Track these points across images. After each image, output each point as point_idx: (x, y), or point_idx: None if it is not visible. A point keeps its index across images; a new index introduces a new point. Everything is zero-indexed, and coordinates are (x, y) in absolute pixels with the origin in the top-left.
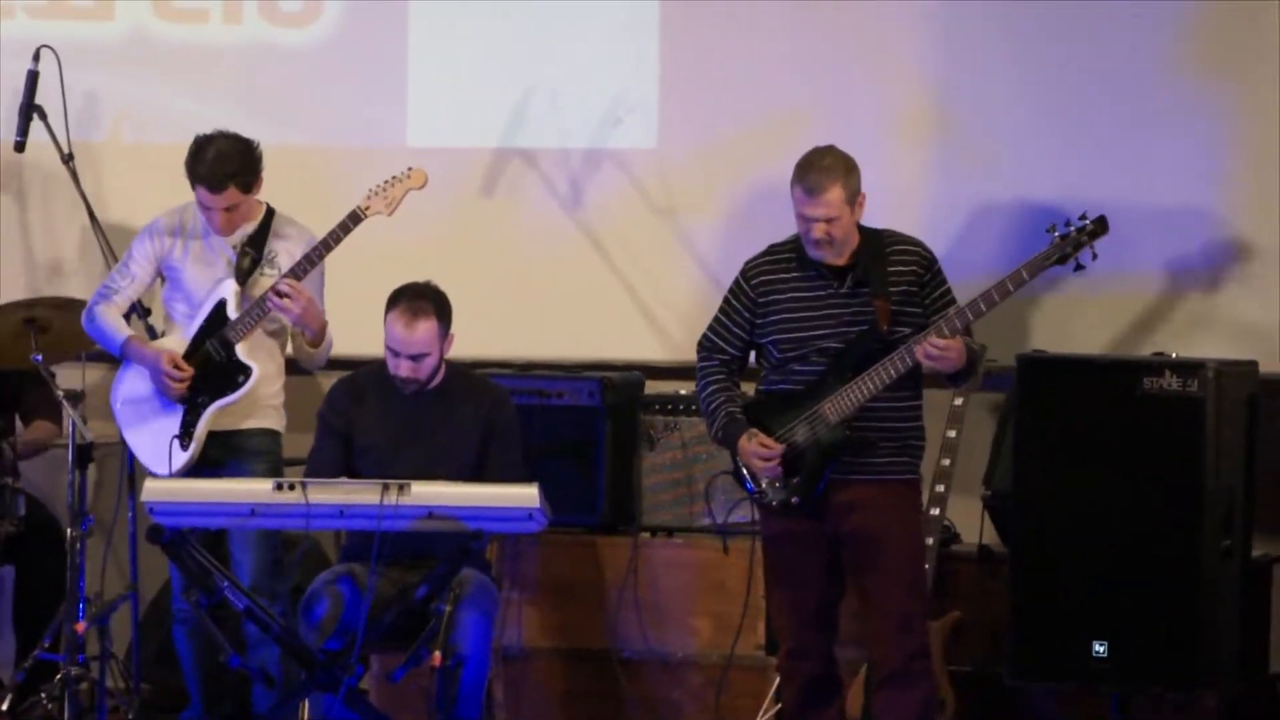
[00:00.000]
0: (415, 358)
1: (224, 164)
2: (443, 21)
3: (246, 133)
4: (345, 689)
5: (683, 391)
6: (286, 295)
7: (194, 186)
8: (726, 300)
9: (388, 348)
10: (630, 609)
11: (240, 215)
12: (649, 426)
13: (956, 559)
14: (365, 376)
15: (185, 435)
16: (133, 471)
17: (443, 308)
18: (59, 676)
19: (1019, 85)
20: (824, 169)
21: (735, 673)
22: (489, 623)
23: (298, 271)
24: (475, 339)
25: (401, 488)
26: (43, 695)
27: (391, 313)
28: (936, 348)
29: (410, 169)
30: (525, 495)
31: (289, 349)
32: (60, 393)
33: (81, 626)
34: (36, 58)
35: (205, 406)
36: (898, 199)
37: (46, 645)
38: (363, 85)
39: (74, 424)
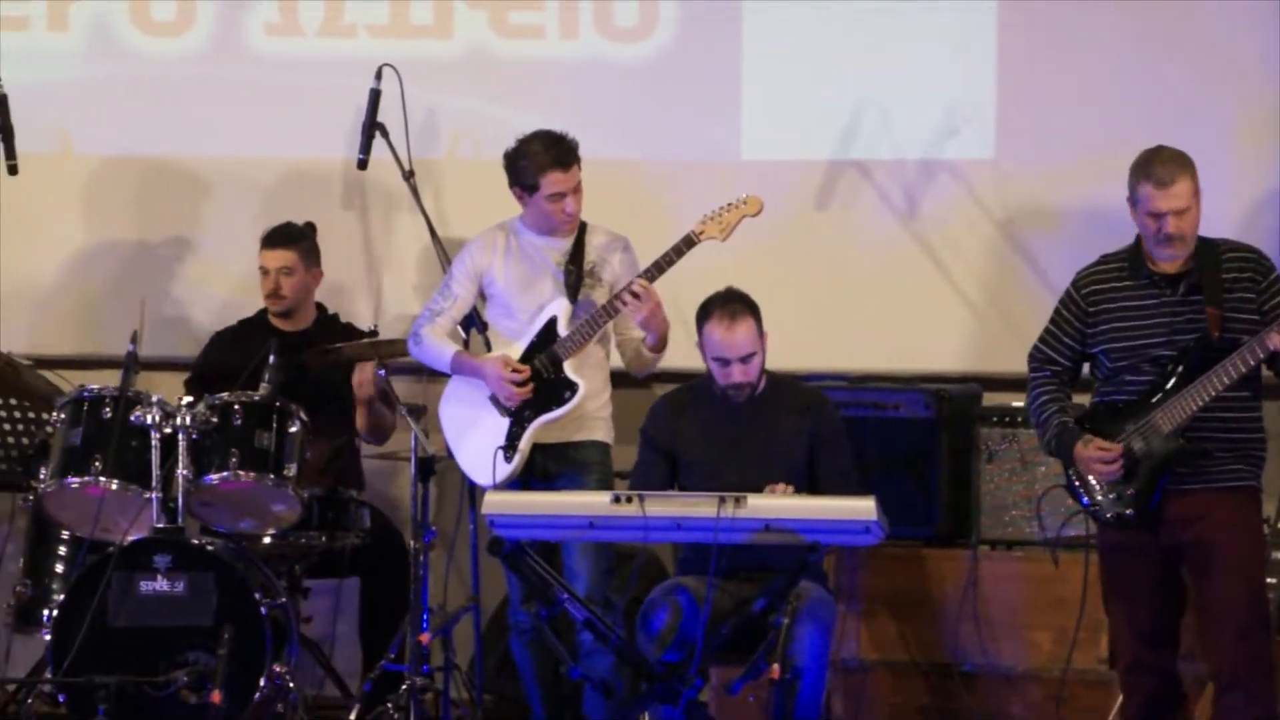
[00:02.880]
0: (744, 359)
1: (564, 142)
2: (776, 33)
3: (582, 147)
4: (685, 701)
5: (1020, 404)
6: (638, 296)
7: (539, 179)
8: (1057, 311)
9: (713, 359)
10: (969, 622)
11: (581, 200)
12: (986, 439)
13: None
14: (685, 393)
15: (510, 447)
16: (473, 485)
17: (753, 306)
18: (404, 687)
19: None
20: (1171, 160)
21: (1077, 687)
22: (827, 635)
23: (650, 273)
24: (809, 351)
25: (738, 500)
26: (389, 705)
27: (709, 323)
28: None
29: (747, 196)
30: (862, 508)
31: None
32: (403, 408)
33: (426, 638)
34: (379, 76)
35: (530, 420)
36: (1240, 206)
37: (392, 656)
38: (697, 98)
39: (416, 437)
